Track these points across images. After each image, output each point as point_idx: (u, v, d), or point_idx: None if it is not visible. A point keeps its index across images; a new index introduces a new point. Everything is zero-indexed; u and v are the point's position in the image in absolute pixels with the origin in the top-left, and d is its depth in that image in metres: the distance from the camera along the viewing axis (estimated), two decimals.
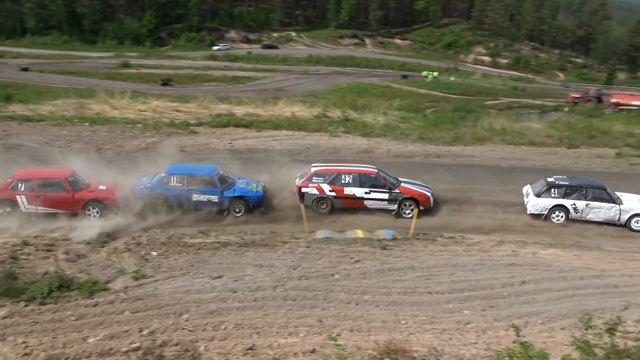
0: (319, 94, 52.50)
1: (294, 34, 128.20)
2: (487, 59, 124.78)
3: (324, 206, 18.70)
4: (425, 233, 16.60)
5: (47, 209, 16.80)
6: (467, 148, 27.72)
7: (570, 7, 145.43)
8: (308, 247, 15.02)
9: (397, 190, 18.66)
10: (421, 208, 18.51)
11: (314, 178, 18.88)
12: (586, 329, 6.30)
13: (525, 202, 19.33)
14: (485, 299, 12.38)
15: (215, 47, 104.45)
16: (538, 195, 18.78)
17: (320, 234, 16.25)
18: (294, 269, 13.48)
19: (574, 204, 18.42)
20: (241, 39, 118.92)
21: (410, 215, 18.37)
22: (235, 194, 17.88)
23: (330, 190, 18.62)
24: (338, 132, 29.22)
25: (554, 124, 36.95)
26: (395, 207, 18.58)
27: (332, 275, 13.21)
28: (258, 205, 18.14)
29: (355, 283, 12.81)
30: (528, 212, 18.87)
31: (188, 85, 58.98)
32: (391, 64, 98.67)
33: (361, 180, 18.72)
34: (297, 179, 19.30)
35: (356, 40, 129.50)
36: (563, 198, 18.58)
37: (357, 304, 11.85)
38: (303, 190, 18.70)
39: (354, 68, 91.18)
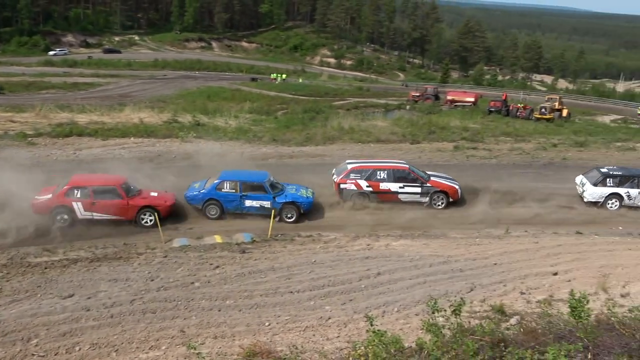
0: (168, 99, 51.18)
1: (137, 37, 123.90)
2: (332, 60, 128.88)
3: (360, 201, 19.98)
4: (283, 234, 16.80)
5: (102, 215, 17.10)
6: (319, 148, 28.39)
7: (405, 11, 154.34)
8: (165, 256, 14.56)
9: (428, 184, 20.26)
10: (450, 200, 20.28)
11: (351, 174, 20.20)
12: (433, 313, 6.70)
13: (581, 191, 21.17)
14: (345, 293, 12.73)
15: (51, 52, 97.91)
16: (595, 184, 20.88)
17: (177, 242, 15.86)
18: (152, 280, 13.00)
19: (628, 192, 20.68)
20: (80, 43, 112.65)
21: (441, 207, 20.16)
22: (287, 200, 18.45)
23: (367, 186, 20.01)
24: (190, 138, 28.61)
25: (398, 121, 38.95)
26: (427, 199, 20.17)
27: (192, 283, 12.92)
28: (308, 210, 18.75)
29: (217, 289, 12.62)
30: (585, 200, 21.02)
31: (23, 93, 54.74)
32: (240, 67, 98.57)
33: (395, 175, 20.18)
34: (335, 176, 20.67)
35: (203, 44, 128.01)
36: (618, 187, 20.75)
37: (219, 310, 11.68)
38: (342, 186, 20.05)
39: (202, 72, 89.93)
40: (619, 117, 64.51)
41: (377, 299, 12.54)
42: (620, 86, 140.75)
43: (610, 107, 76.98)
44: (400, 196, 20.13)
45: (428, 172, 21.27)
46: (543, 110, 53.21)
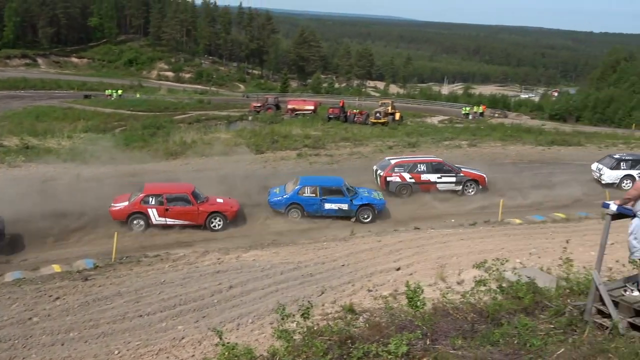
0: None
1: None
2: (170, 74, 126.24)
3: (405, 191, 23.01)
4: (128, 256, 16.15)
5: (175, 221, 18.77)
6: (161, 164, 27.70)
7: (241, 23, 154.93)
8: None
9: (461, 174, 23.36)
10: (480, 187, 23.48)
11: (395, 168, 23.23)
12: (282, 319, 6.84)
13: (599, 175, 25.23)
14: (197, 310, 12.52)
15: None
16: (611, 168, 24.89)
17: (10, 276, 14.59)
18: None
19: (639, 173, 24.51)
20: None
21: (472, 193, 23.27)
22: (363, 202, 20.20)
23: (410, 178, 23.09)
24: (18, 162, 26.52)
25: (241, 132, 39.07)
26: (460, 188, 23.20)
27: (30, 318, 11.98)
28: (381, 211, 20.50)
29: (58, 322, 11.83)
30: (603, 182, 24.72)
31: None
32: (71, 84, 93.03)
33: (433, 167, 23.33)
34: (379, 171, 23.64)
35: (27, 61, 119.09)
36: (630, 169, 24.83)
37: (62, 344, 10.96)
38: (388, 179, 23.05)
39: (29, 90, 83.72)
40: (446, 117, 69.70)
41: (231, 312, 12.48)
42: (445, 89, 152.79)
43: (438, 109, 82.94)
44: (438, 185, 23.19)
45: (457, 165, 24.26)
46: (378, 114, 56.08)
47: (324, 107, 65.12)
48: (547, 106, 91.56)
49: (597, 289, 6.76)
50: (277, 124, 48.07)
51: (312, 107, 63.90)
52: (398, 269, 14.95)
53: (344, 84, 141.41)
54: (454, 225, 19.81)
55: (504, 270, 9.62)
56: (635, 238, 6.64)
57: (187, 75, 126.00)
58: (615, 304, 6.69)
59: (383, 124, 53.48)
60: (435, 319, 7.23)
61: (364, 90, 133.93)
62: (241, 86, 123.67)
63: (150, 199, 18.62)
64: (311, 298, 12.54)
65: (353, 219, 20.17)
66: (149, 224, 18.65)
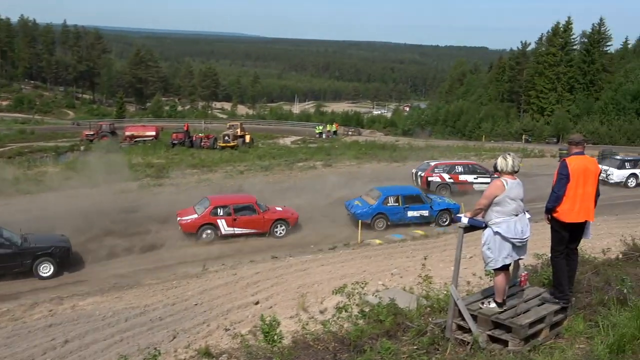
0: None
1: None
2: None
3: (444, 191, 26.62)
4: None
5: (243, 229, 20.87)
6: None
7: (66, 42, 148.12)
8: None
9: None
10: None
11: (435, 169, 27.22)
12: None
13: (605, 176, 28.13)
14: None
15: None
16: (619, 168, 29.70)
17: None
18: None
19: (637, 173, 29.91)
20: None
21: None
22: (442, 207, 22.78)
23: (449, 178, 27.07)
24: None
25: (72, 164, 37.22)
26: None
27: None
28: (457, 214, 21.64)
29: None
30: (612, 182, 29.00)
31: None
32: None
33: (470, 168, 27.43)
34: (420, 172, 27.74)
35: None
36: (633, 168, 29.85)
37: None
38: (429, 179, 26.96)
39: None
40: (299, 137, 71.25)
41: None
42: (296, 108, 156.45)
43: (290, 129, 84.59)
44: (474, 186, 26.69)
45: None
46: (226, 138, 56.01)
47: (167, 132, 63.85)
48: (399, 122, 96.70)
49: (456, 304, 7.07)
50: (115, 154, 46.33)
51: (153, 133, 62.46)
52: (257, 303, 14.85)
53: (188, 107, 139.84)
54: (314, 251, 20.12)
55: (365, 294, 9.88)
56: (489, 248, 7.00)
57: (5, 103, 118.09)
58: (475, 317, 7.01)
59: (233, 147, 53.53)
60: (296, 352, 7.23)
61: (210, 112, 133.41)
62: (70, 113, 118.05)
63: (219, 210, 20.81)
64: (161, 344, 12.08)
65: (433, 224, 22.52)
66: (217, 234, 20.78)
